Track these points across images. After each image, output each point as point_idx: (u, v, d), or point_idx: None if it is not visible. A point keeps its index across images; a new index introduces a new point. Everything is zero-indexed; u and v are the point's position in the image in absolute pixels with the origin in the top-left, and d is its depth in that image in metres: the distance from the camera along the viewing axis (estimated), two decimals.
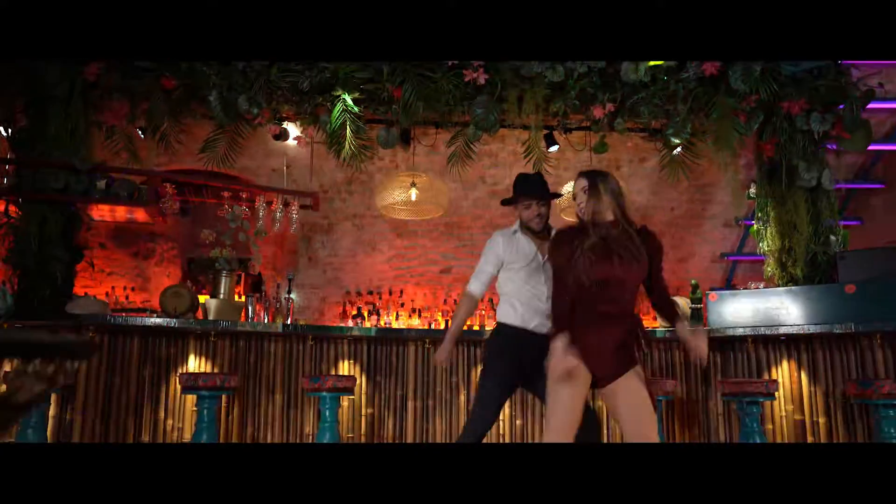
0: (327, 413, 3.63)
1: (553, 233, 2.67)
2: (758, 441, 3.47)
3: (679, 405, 4.12)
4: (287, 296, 6.13)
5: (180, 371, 3.88)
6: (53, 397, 3.55)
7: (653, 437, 2.19)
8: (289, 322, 5.93)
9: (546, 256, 2.70)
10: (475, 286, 2.83)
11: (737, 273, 6.39)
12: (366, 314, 6.19)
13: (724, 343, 4.09)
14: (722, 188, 5.81)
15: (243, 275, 6.76)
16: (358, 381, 4.21)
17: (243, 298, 6.43)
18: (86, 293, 4.18)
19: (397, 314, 6.08)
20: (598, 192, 2.33)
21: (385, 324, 6.07)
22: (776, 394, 3.64)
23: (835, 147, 4.57)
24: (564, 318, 2.27)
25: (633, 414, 2.20)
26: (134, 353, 3.80)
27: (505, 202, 2.86)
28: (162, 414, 3.79)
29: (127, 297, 6.04)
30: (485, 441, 2.85)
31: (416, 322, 6.04)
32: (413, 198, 4.67)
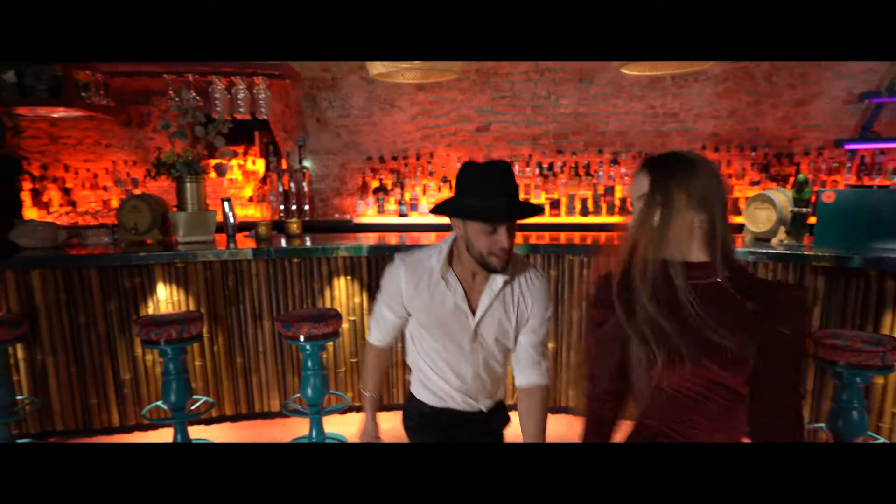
0: (309, 362, 3.07)
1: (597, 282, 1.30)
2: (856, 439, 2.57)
3: None
4: (300, 165, 5.37)
5: (150, 301, 3.38)
6: (20, 345, 3.19)
7: None
8: (296, 212, 5.27)
9: (481, 317, 1.65)
10: (372, 334, 1.84)
11: (880, 118, 4.72)
12: (389, 185, 5.34)
13: (834, 275, 2.95)
14: None
15: (258, 134, 6.00)
16: (358, 301, 3.58)
17: (260, 164, 5.79)
18: (31, 219, 3.56)
19: (424, 187, 5.19)
20: (670, 204, 1.15)
21: (411, 199, 5.23)
22: None
23: None
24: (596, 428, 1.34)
25: None
26: (94, 287, 3.29)
27: (438, 210, 1.59)
28: (139, 350, 3.39)
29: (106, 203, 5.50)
30: None
31: (445, 193, 5.15)
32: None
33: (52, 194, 5.42)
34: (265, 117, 3.94)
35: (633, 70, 3.76)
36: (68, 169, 5.52)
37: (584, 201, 4.99)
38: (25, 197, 5.29)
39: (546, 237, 3.75)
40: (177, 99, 3.30)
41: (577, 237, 3.79)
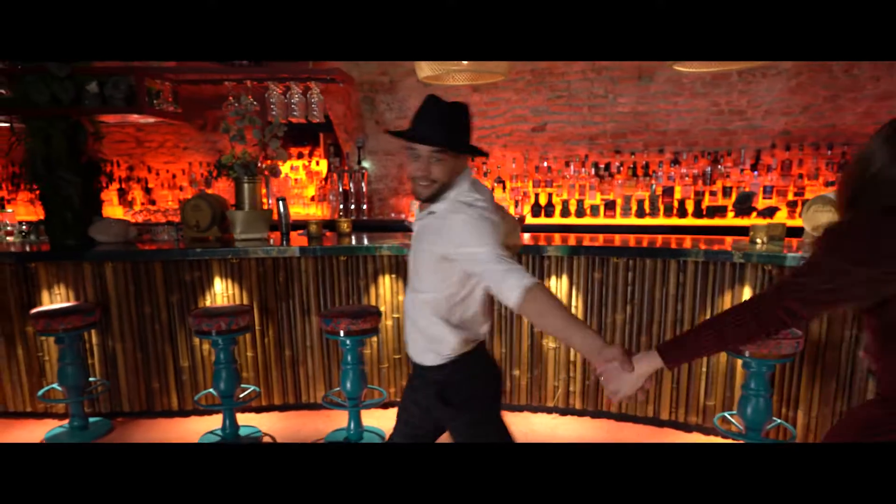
0: (349, 357, 3.17)
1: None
2: None
3: (812, 354, 3.00)
4: (359, 166, 5.53)
5: (208, 294, 3.61)
6: (93, 331, 3.51)
7: None
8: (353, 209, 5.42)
9: (412, 251, 1.87)
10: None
11: None
12: None
13: None
14: None
15: (322, 135, 6.23)
16: (402, 299, 3.65)
17: (323, 165, 6.01)
18: (105, 217, 3.88)
19: None
20: None
21: None
22: None
23: None
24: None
25: None
26: (158, 279, 3.55)
27: (394, 133, 1.80)
28: (197, 340, 3.62)
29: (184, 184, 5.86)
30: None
31: (498, 194, 5.13)
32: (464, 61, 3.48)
33: (136, 193, 5.88)
34: (318, 120, 4.09)
35: (690, 67, 3.61)
36: (151, 170, 5.97)
37: (640, 202, 4.83)
38: (112, 196, 5.77)
39: (600, 239, 3.67)
40: (236, 104, 3.49)
41: (632, 239, 3.67)
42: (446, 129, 1.70)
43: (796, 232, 3.39)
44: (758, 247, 3.14)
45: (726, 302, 3.19)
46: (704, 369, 3.32)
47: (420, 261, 1.81)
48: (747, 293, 3.13)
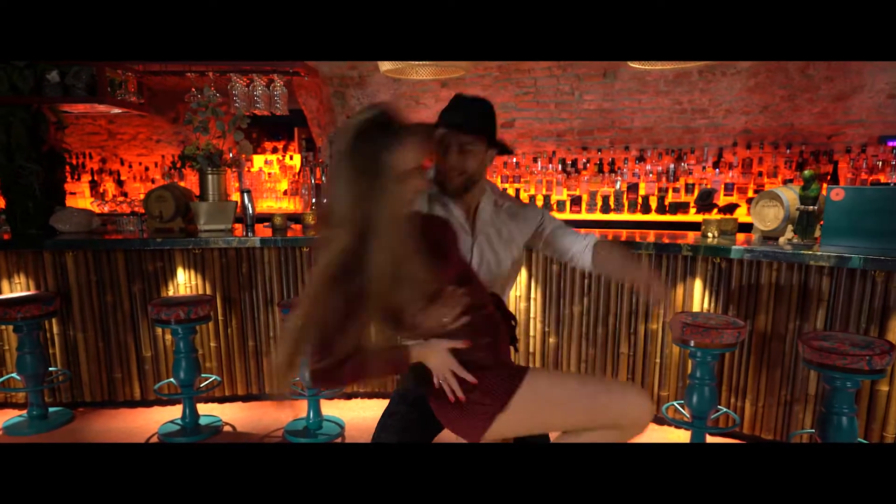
0: None
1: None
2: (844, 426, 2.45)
3: (759, 344, 3.09)
4: (330, 161, 5.55)
5: (171, 284, 3.63)
6: (54, 320, 3.52)
7: None
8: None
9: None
10: None
11: None
12: None
13: (838, 276, 2.81)
14: None
15: (297, 130, 6.26)
16: None
17: (297, 159, 6.03)
18: (67, 206, 3.88)
19: None
20: None
21: None
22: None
23: None
24: None
25: None
26: (120, 269, 3.56)
27: (430, 125, 1.79)
28: (159, 330, 3.64)
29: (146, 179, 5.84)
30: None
31: None
32: None
33: (108, 185, 5.86)
34: (282, 113, 4.12)
35: (648, 65, 3.68)
36: (123, 162, 5.96)
37: (605, 198, 4.91)
38: (84, 188, 5.76)
39: None
40: (199, 95, 3.51)
41: (597, 234, 3.71)
42: (479, 120, 1.81)
43: (749, 227, 3.48)
44: (708, 240, 3.22)
45: (678, 292, 3.27)
46: (658, 360, 3.40)
47: (499, 248, 1.94)
48: (698, 285, 3.21)
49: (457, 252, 1.63)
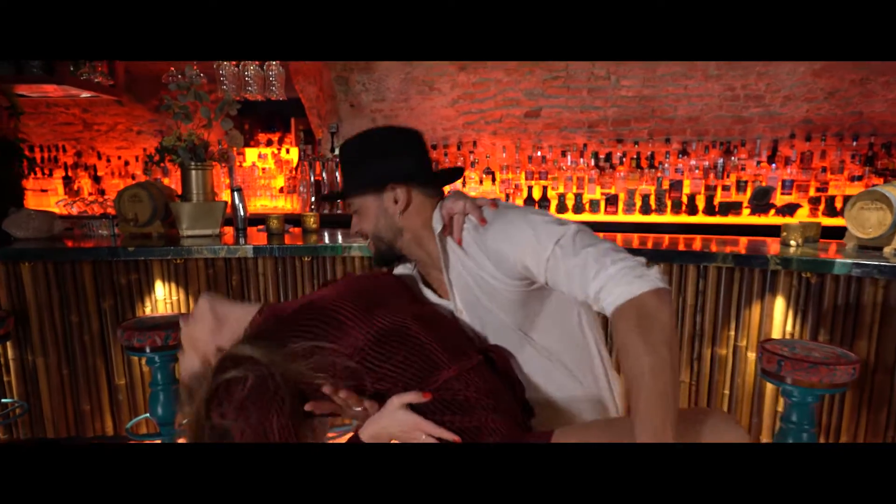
0: None
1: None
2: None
3: (858, 379, 2.55)
4: (332, 154, 4.99)
5: (147, 300, 3.07)
6: (8, 343, 2.95)
7: None
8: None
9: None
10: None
11: None
12: None
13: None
14: None
15: (294, 120, 5.70)
16: None
17: (294, 153, 5.47)
18: (23, 208, 3.31)
19: (465, 180, 4.69)
20: None
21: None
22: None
23: None
24: None
25: None
26: (87, 282, 3.00)
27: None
28: None
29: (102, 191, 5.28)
30: None
31: (487, 187, 4.63)
32: None
33: (84, 182, 5.28)
34: (279, 97, 3.56)
35: None
36: (101, 156, 5.38)
37: (645, 197, 4.36)
38: (57, 185, 5.17)
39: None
40: (179, 75, 2.94)
41: (635, 239, 3.20)
42: (344, 176, 1.46)
43: (826, 233, 2.97)
44: (791, 249, 2.68)
45: (755, 313, 2.73)
46: (727, 391, 2.86)
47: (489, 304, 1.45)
48: (779, 304, 2.67)
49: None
